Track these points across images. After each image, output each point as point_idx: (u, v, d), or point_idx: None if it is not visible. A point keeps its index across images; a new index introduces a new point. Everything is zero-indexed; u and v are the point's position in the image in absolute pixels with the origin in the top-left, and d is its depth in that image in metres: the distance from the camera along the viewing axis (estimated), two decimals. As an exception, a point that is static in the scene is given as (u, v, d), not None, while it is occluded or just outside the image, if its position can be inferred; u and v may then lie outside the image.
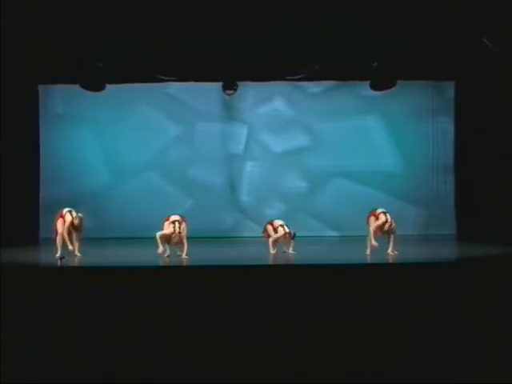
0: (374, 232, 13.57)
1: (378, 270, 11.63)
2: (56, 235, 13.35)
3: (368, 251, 13.49)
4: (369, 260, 12.94)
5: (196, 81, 18.30)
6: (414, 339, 7.29)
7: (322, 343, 7.21)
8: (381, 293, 9.43)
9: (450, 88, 19.29)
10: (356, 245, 15.88)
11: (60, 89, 19.03)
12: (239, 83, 17.58)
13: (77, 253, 13.41)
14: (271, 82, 18.57)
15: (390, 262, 12.82)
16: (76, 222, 13.32)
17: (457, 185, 19.23)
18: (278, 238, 13.96)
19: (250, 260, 13.38)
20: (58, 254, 13.05)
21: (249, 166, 19.51)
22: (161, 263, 12.87)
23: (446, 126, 19.40)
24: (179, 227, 13.17)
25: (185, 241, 13.24)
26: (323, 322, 7.95)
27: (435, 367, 6.46)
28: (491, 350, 7.17)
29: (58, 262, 12.74)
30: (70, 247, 13.19)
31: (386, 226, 13.52)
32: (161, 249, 13.07)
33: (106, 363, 6.50)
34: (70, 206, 16.45)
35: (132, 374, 6.26)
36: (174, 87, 19.13)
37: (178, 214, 13.57)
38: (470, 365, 6.52)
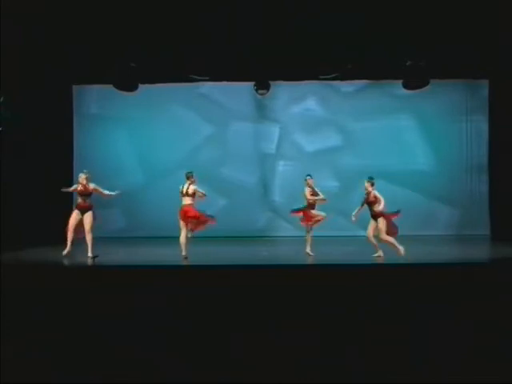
0: None
1: (411, 270, 11.54)
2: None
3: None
4: (401, 260, 12.81)
5: (229, 80, 18.34)
6: (445, 340, 7.23)
7: (359, 344, 7.16)
8: (413, 293, 9.38)
9: (484, 86, 19.10)
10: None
11: (94, 89, 19.19)
12: (272, 83, 17.58)
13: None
14: (304, 82, 18.56)
15: (423, 262, 12.70)
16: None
17: (491, 184, 19.02)
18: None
19: (282, 260, 13.38)
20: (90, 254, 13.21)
21: (281, 166, 19.50)
22: (190, 263, 12.92)
23: (481, 125, 19.22)
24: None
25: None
26: (355, 322, 7.91)
27: (467, 367, 6.40)
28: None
29: (89, 261, 12.87)
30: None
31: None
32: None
33: (109, 363, 6.53)
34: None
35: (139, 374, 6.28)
36: (207, 87, 19.18)
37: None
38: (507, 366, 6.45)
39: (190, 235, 13.53)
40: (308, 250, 13.89)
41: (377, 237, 13.32)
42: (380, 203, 13.16)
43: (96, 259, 12.94)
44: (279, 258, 13.93)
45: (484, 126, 19.17)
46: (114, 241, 17.39)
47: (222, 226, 17.97)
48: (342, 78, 18.09)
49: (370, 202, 13.29)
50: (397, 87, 17.70)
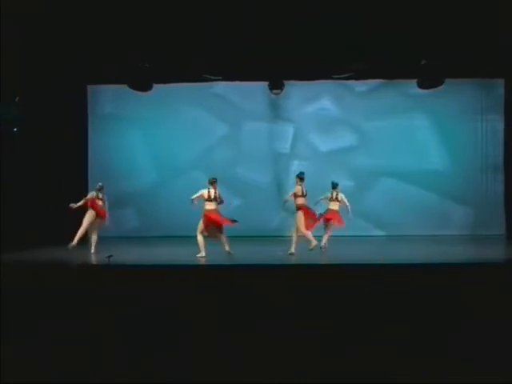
0: None
1: (426, 270, 11.47)
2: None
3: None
4: (416, 260, 12.71)
5: (242, 80, 18.36)
6: (455, 341, 7.17)
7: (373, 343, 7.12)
8: (428, 292, 9.33)
9: (499, 85, 18.97)
10: (403, 244, 15.74)
11: (108, 89, 19.27)
12: (286, 82, 17.56)
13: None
14: (318, 81, 18.55)
15: (437, 262, 12.60)
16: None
17: (507, 184, 18.89)
18: None
19: (296, 259, 13.36)
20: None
21: (295, 165, 19.40)
22: (203, 262, 12.94)
23: (496, 124, 19.10)
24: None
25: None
26: (372, 322, 7.87)
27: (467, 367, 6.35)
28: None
29: (106, 260, 12.88)
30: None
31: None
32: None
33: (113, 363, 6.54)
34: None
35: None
36: (221, 87, 19.20)
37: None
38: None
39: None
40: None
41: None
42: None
43: (111, 258, 12.94)
44: (288, 258, 13.87)
45: (499, 126, 19.06)
46: (128, 240, 17.47)
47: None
48: (356, 78, 18.08)
49: (296, 196, 13.70)
50: (411, 86, 17.62)
